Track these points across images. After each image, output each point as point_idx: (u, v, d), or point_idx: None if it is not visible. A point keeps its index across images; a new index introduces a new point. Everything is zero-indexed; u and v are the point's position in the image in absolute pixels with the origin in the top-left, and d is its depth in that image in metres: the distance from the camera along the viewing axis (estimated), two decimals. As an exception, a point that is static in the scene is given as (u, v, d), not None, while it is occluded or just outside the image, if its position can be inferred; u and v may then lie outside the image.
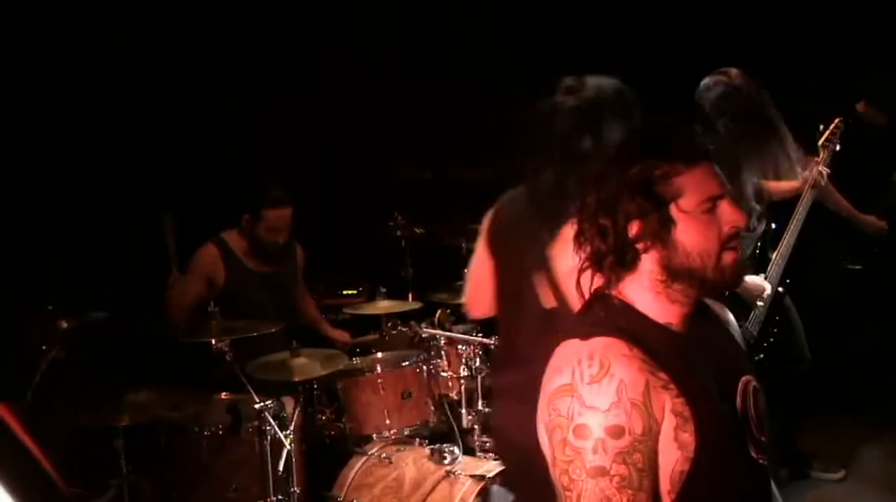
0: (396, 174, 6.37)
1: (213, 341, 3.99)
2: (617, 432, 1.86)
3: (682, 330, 2.03)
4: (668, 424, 1.90)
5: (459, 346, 4.56)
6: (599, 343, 1.92)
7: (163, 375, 4.24)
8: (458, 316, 5.07)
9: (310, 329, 5.33)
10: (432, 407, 4.59)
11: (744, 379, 2.04)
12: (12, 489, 1.50)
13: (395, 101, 6.11)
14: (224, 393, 4.38)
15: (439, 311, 4.87)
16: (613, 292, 2.02)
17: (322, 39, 5.98)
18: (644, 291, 2.01)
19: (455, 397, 4.56)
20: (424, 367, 4.60)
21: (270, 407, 4.00)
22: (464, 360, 4.51)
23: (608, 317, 1.98)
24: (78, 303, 4.21)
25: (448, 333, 4.68)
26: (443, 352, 4.63)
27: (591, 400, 1.87)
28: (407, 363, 4.59)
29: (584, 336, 1.94)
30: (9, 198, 4.74)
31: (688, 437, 1.91)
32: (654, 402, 1.89)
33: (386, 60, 6.05)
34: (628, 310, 2.01)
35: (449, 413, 4.56)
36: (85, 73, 5.10)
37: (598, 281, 2.03)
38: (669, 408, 1.89)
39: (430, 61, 6.12)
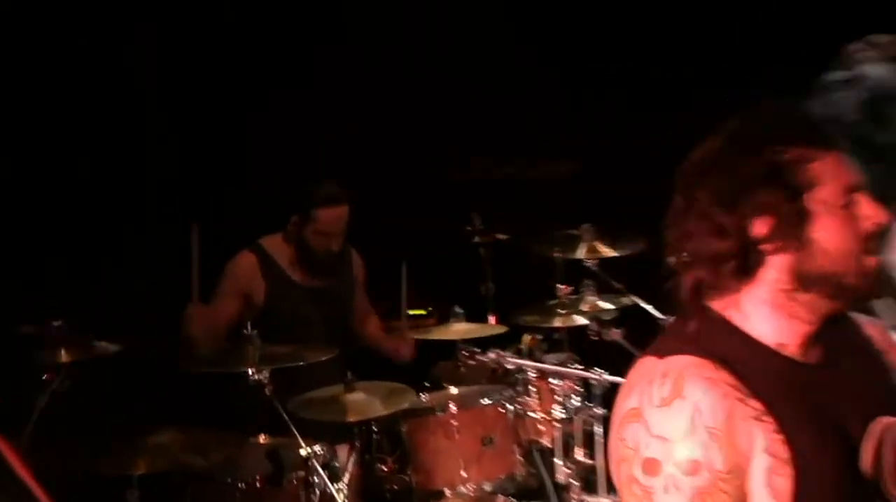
0: (474, 169, 6.50)
1: (250, 372, 4.04)
2: (691, 468, 1.87)
3: (799, 354, 2.02)
4: (759, 464, 1.90)
5: (553, 380, 4.59)
6: (677, 362, 1.95)
7: (188, 413, 4.31)
8: (550, 342, 5.11)
9: (371, 352, 5.41)
10: (519, 457, 4.59)
11: (884, 423, 1.99)
12: None
13: (469, 82, 6.28)
14: (262, 436, 4.41)
15: (528, 337, 4.89)
16: (716, 305, 2.03)
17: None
18: (760, 304, 2.02)
19: (547, 444, 4.59)
20: (509, 406, 4.61)
21: (319, 455, 4.03)
22: (559, 398, 4.48)
23: (699, 333, 2.00)
24: (86, 327, 4.28)
25: (539, 364, 4.69)
26: (532, 388, 4.65)
27: (660, 427, 1.89)
28: (488, 401, 4.61)
29: (662, 353, 1.97)
30: (13, 205, 4.92)
31: (784, 483, 1.90)
32: (741, 435, 1.90)
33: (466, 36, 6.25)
34: (727, 327, 2.02)
35: (540, 464, 4.59)
36: (96, 71, 5.34)
37: (716, 292, 2.04)
38: (763, 446, 1.90)
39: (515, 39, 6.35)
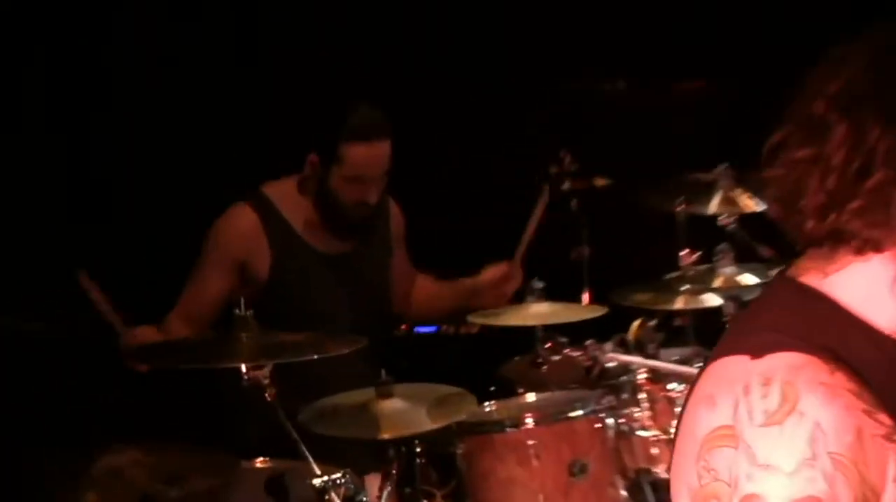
0: (566, 86, 6.39)
1: (244, 368, 3.94)
2: None
3: None
4: (892, 497, 1.90)
5: (671, 385, 4.57)
6: (781, 361, 1.90)
7: (155, 426, 4.31)
8: (669, 331, 5.07)
9: (415, 341, 5.63)
10: (623, 492, 4.50)
11: None
12: None
13: None
14: (260, 460, 4.29)
15: (636, 323, 4.83)
16: (816, 283, 2.00)
17: None
18: (879, 284, 1.99)
19: (664, 474, 4.47)
20: (609, 421, 4.54)
21: (340, 485, 3.92)
22: (679, 409, 4.14)
23: (803, 321, 1.97)
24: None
25: (652, 362, 4.66)
26: (642, 395, 4.61)
27: (769, 454, 1.87)
28: (579, 413, 4.53)
29: (757, 350, 1.93)
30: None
31: None
32: (872, 461, 1.89)
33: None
34: (839, 312, 1.99)
35: (652, 500, 4.53)
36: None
37: (804, 263, 2.02)
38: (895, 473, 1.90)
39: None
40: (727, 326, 2.20)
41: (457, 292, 5.31)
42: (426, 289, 5.38)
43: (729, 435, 1.91)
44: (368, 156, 4.72)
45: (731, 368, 1.96)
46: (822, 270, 2.00)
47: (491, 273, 5.17)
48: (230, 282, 4.80)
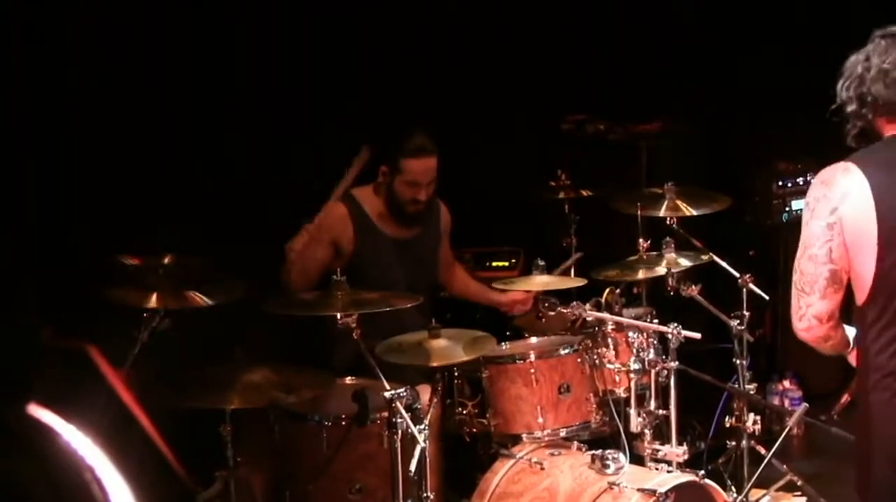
0: (563, 126, 6.43)
1: (339, 316, 4.00)
2: None
3: None
4: None
5: (630, 334, 4.52)
6: None
7: (279, 353, 4.30)
8: (629, 296, 5.06)
9: (461, 304, 5.39)
10: (595, 406, 4.56)
11: None
12: (126, 469, 1.54)
13: (562, 39, 6.23)
14: (349, 378, 4.46)
15: (607, 291, 4.77)
16: None
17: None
18: None
19: (623, 394, 4.54)
20: (587, 357, 4.57)
21: (403, 397, 3.97)
22: (635, 351, 4.46)
23: None
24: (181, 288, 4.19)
25: (617, 317, 4.63)
26: (610, 340, 4.60)
27: None
28: (566, 351, 4.56)
29: None
30: (105, 148, 4.88)
31: None
32: None
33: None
34: None
35: (615, 413, 4.52)
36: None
37: None
38: None
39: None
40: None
41: (481, 293, 5.34)
42: (461, 279, 5.40)
43: None
44: (421, 168, 4.87)
45: None
46: None
47: (512, 296, 5.16)
48: (328, 252, 4.87)
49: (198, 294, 4.11)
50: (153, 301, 4.00)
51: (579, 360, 4.55)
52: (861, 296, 2.92)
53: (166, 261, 4.13)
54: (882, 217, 2.84)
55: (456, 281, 5.40)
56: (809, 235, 2.92)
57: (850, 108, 2.98)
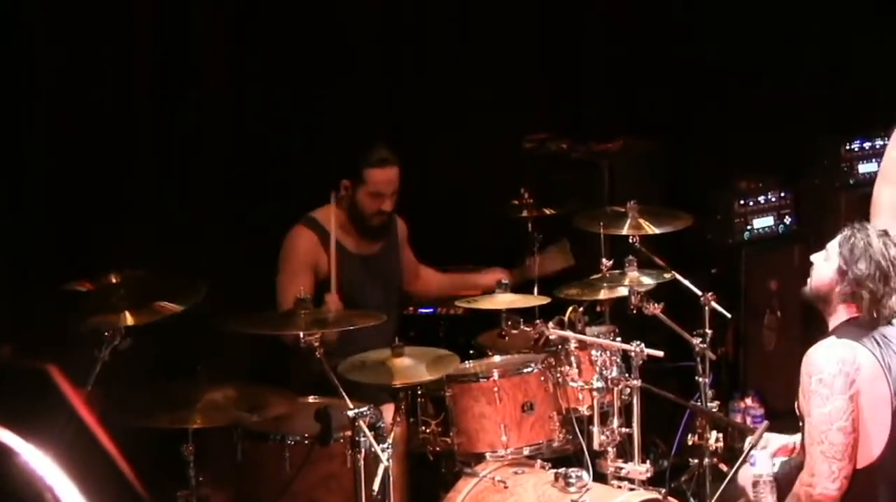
0: (525, 144, 6.43)
1: (302, 335, 4.00)
2: None
3: None
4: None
5: (593, 352, 4.52)
6: None
7: (242, 372, 4.42)
8: (592, 315, 5.05)
9: (420, 319, 5.42)
10: (558, 424, 4.55)
11: None
12: (87, 489, 1.53)
13: (524, 57, 6.27)
14: (312, 397, 4.45)
15: (570, 309, 4.74)
16: None
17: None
18: None
19: (586, 412, 4.52)
20: (550, 375, 4.56)
21: (366, 415, 3.98)
22: (598, 369, 4.47)
23: None
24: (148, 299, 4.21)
25: (580, 335, 4.62)
26: (573, 358, 4.58)
27: None
28: (529, 369, 4.56)
29: None
30: (83, 171, 4.90)
31: None
32: None
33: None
34: None
35: (578, 431, 4.51)
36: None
37: None
38: None
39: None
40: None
41: (456, 281, 5.38)
42: (429, 277, 5.39)
43: None
44: (384, 178, 4.88)
45: None
46: None
47: (492, 274, 5.21)
48: (311, 279, 4.84)
49: (166, 303, 4.11)
50: (128, 319, 4.00)
51: (542, 378, 4.54)
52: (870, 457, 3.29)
53: (114, 280, 4.14)
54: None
55: (424, 282, 5.40)
56: (834, 410, 3.25)
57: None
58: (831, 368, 3.26)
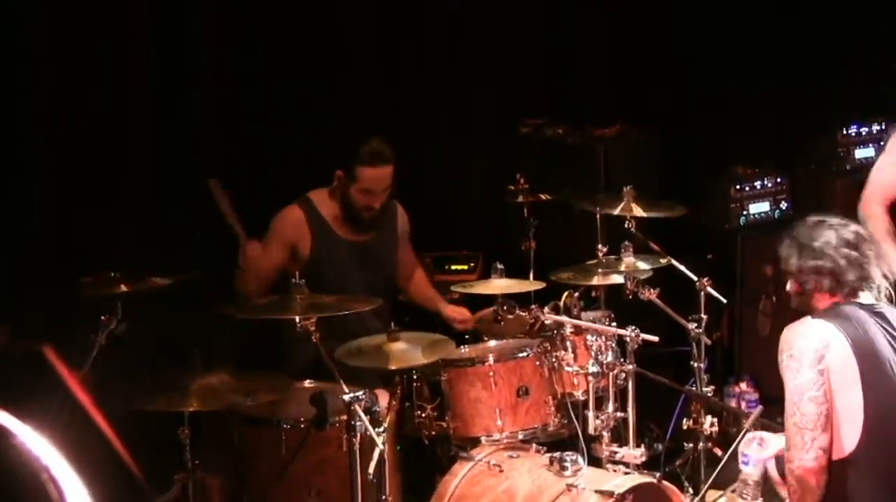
0: (521, 129, 6.44)
1: (298, 319, 3.98)
2: None
3: None
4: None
5: (589, 337, 4.51)
6: None
7: (238, 357, 4.38)
8: (588, 300, 5.09)
9: (420, 308, 5.39)
10: (553, 408, 4.56)
11: None
12: (83, 470, 1.54)
13: (520, 42, 6.28)
14: (308, 381, 4.46)
15: (566, 294, 4.79)
16: None
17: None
18: None
19: (581, 397, 4.54)
20: (546, 360, 4.57)
21: (362, 400, 3.95)
22: (593, 354, 4.46)
23: None
24: (142, 271, 4.29)
25: (575, 320, 4.63)
26: (568, 343, 4.59)
27: None
28: (525, 354, 4.56)
29: None
30: (67, 156, 4.90)
31: None
32: None
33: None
34: None
35: (573, 415, 4.52)
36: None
37: None
38: None
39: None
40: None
41: (431, 301, 5.35)
42: (419, 284, 5.40)
43: None
44: (376, 177, 4.88)
45: None
46: None
47: (456, 312, 5.24)
48: (285, 255, 4.87)
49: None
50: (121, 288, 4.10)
51: (538, 363, 4.55)
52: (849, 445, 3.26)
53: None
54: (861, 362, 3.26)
55: (413, 286, 5.41)
56: (804, 381, 3.26)
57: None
58: (800, 344, 3.30)
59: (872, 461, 3.22)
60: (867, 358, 3.25)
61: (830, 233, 3.41)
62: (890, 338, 3.31)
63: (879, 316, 3.35)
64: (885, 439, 3.22)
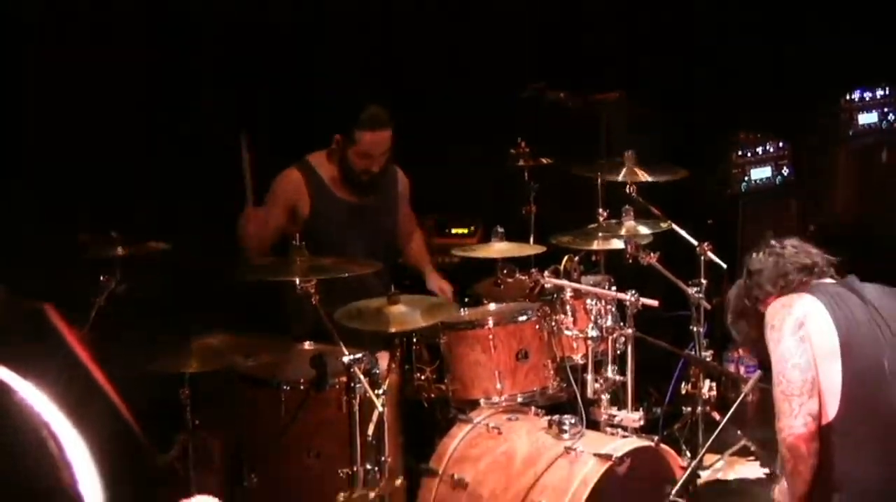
0: (522, 93, 6.41)
1: (298, 281, 3.98)
2: None
3: None
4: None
5: (588, 301, 4.53)
6: None
7: (238, 318, 4.30)
8: (587, 264, 5.08)
9: (415, 272, 5.41)
10: (552, 372, 4.57)
11: None
12: (84, 427, 1.55)
13: (522, 6, 6.26)
14: (307, 343, 4.48)
15: (566, 258, 4.77)
16: None
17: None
18: None
19: (580, 361, 4.57)
20: (545, 323, 4.57)
21: (361, 362, 3.95)
22: (593, 317, 4.48)
23: None
24: (141, 232, 4.30)
25: (575, 284, 4.62)
26: (568, 307, 4.59)
27: None
28: (524, 317, 4.57)
29: None
30: (70, 119, 4.89)
31: None
32: None
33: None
34: None
35: (572, 379, 4.53)
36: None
37: None
38: None
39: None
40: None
41: (422, 266, 5.38)
42: (416, 249, 5.44)
43: None
44: (374, 141, 4.90)
45: None
46: None
47: (438, 286, 5.25)
48: (284, 217, 4.90)
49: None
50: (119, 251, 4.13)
51: (537, 327, 4.55)
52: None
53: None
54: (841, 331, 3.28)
55: (409, 249, 5.44)
56: (786, 349, 3.29)
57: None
58: (781, 314, 3.35)
59: (852, 427, 3.25)
60: (846, 328, 3.28)
61: (757, 258, 3.57)
62: (868, 310, 3.34)
63: (855, 291, 3.38)
64: (863, 406, 3.25)
